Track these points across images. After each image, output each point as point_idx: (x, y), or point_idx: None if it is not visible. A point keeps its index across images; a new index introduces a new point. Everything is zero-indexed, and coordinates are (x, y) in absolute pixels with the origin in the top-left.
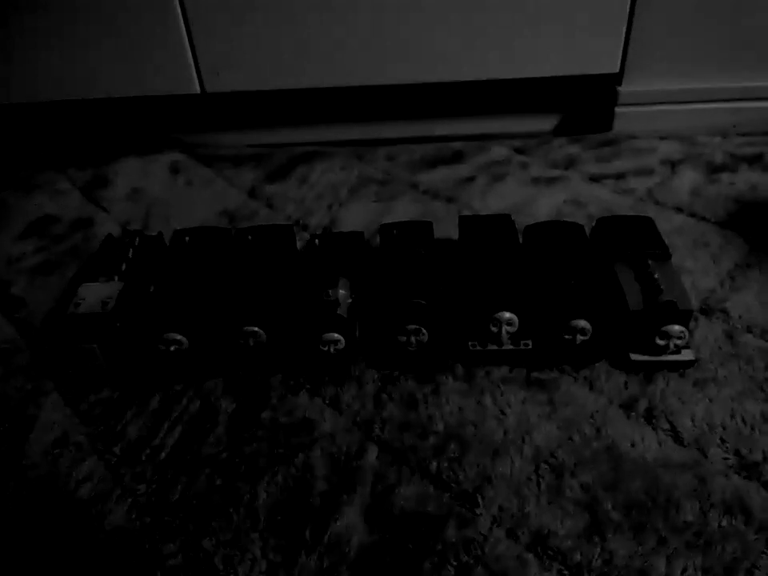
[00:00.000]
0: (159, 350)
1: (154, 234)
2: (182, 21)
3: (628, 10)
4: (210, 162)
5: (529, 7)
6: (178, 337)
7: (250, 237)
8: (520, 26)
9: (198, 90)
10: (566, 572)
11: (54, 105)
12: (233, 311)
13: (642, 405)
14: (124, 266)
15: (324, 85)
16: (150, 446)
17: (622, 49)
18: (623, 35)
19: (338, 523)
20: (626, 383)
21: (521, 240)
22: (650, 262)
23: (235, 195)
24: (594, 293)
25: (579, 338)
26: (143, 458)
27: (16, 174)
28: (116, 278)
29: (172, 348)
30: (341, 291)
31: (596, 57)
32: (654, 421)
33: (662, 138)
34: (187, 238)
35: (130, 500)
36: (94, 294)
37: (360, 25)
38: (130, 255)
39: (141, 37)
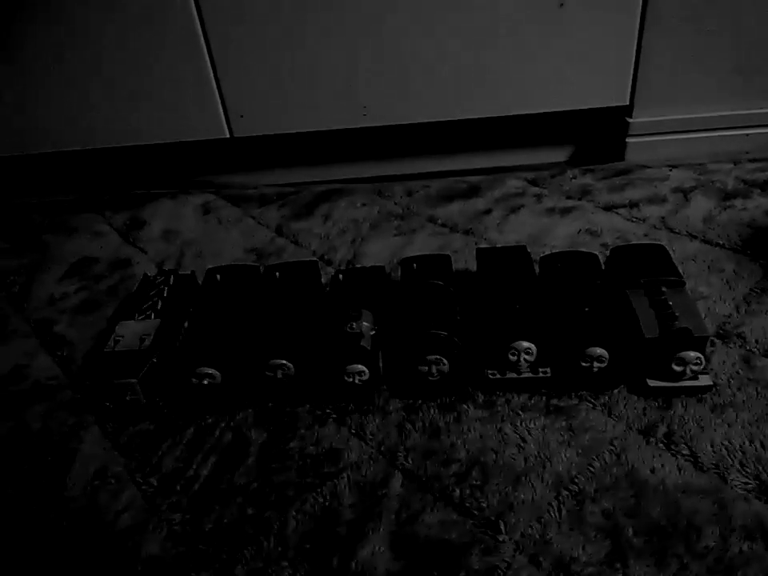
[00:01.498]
0: (193, 383)
1: (187, 272)
2: (211, 73)
3: (636, 44)
4: (238, 202)
5: (540, 45)
6: (211, 371)
7: (277, 273)
8: (532, 63)
9: (227, 134)
10: None
11: (91, 151)
12: (262, 345)
13: (661, 430)
14: (160, 304)
15: (342, 126)
16: (185, 477)
17: (631, 81)
18: (632, 68)
19: (365, 551)
20: (644, 409)
21: (537, 270)
22: (664, 289)
23: (263, 233)
24: (610, 321)
25: (596, 365)
26: (178, 488)
27: (56, 217)
28: (152, 315)
29: (205, 381)
30: (364, 324)
31: (606, 90)
32: (673, 446)
33: (673, 167)
34: (218, 276)
35: (165, 530)
36: (132, 331)
37: (376, 68)
38: (165, 294)
39: (174, 88)
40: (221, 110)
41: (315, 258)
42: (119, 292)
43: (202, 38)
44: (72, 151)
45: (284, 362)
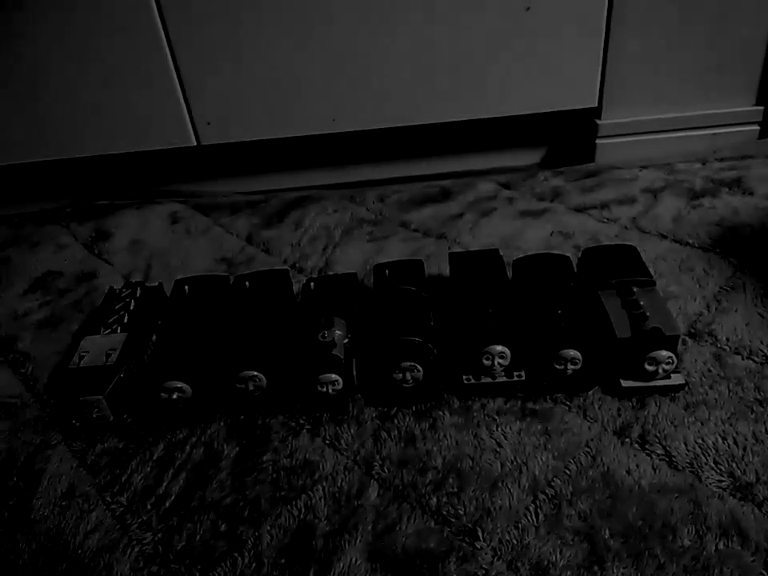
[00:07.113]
0: (162, 398)
1: (155, 284)
2: (176, 80)
3: (603, 46)
4: (207, 211)
5: (508, 48)
6: (180, 384)
7: (247, 283)
8: (501, 66)
9: (194, 142)
10: None
11: (54, 162)
12: (232, 357)
13: (636, 431)
14: (126, 318)
15: (311, 132)
16: (156, 495)
17: (599, 83)
18: (599, 70)
19: (341, 563)
20: (618, 410)
21: (510, 273)
22: (635, 289)
23: (233, 242)
24: (582, 322)
25: (570, 367)
26: (149, 506)
27: (18, 230)
28: (118, 329)
29: (174, 396)
30: (337, 332)
31: (575, 92)
32: (647, 446)
33: (642, 167)
34: (187, 287)
35: (137, 549)
36: (97, 346)
37: (345, 73)
38: (132, 306)
39: (139, 96)
40: (187, 118)
41: (286, 267)
42: (84, 306)
43: (166, 43)
44: (34, 162)
45: (255, 373)
